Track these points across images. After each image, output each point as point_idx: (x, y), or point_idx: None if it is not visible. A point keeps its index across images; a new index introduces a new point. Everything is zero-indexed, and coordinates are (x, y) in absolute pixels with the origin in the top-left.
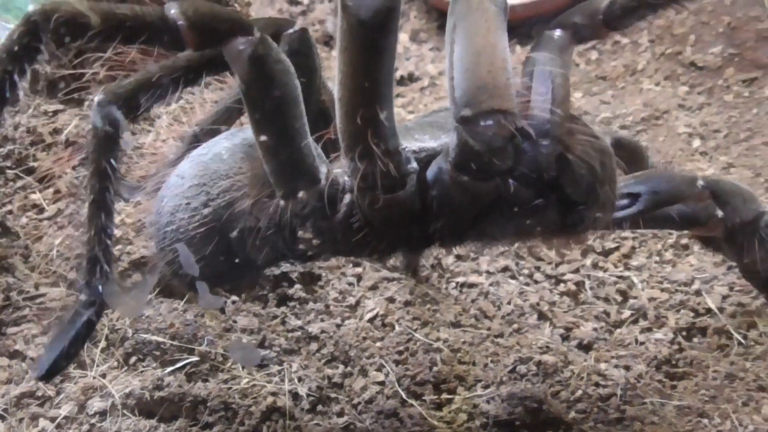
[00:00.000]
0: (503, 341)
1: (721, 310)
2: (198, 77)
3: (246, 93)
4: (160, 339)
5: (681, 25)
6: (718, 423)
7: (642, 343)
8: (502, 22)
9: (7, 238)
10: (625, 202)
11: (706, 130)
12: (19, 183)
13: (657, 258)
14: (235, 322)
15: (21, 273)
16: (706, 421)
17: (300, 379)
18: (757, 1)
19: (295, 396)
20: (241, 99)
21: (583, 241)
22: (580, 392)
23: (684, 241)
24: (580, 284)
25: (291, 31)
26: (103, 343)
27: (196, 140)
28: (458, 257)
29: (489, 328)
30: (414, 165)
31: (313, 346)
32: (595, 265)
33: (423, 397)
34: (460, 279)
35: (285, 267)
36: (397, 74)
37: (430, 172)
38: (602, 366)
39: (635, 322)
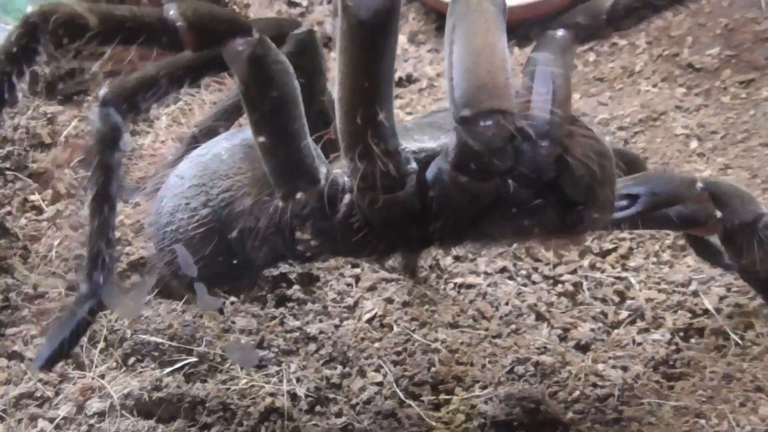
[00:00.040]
0: (501, 342)
1: (719, 310)
2: (199, 77)
3: (245, 94)
4: (159, 340)
5: (678, 27)
6: (715, 423)
7: (639, 344)
8: (501, 22)
9: (6, 239)
10: (624, 203)
11: (703, 132)
12: (18, 184)
13: (654, 259)
14: (233, 322)
15: (20, 274)
16: (703, 421)
17: (298, 380)
18: (754, 3)
19: (294, 396)
20: (239, 100)
21: (581, 241)
22: (577, 393)
23: (681, 242)
24: (577, 285)
25: (297, 31)
26: (101, 344)
27: (195, 141)
28: (456, 258)
29: (487, 329)
30: (413, 165)
31: (312, 346)
32: (592, 266)
33: (421, 398)
34: (458, 280)
35: (283, 268)
36: (396, 76)
37: (430, 173)
38: (600, 366)
39: (633, 322)
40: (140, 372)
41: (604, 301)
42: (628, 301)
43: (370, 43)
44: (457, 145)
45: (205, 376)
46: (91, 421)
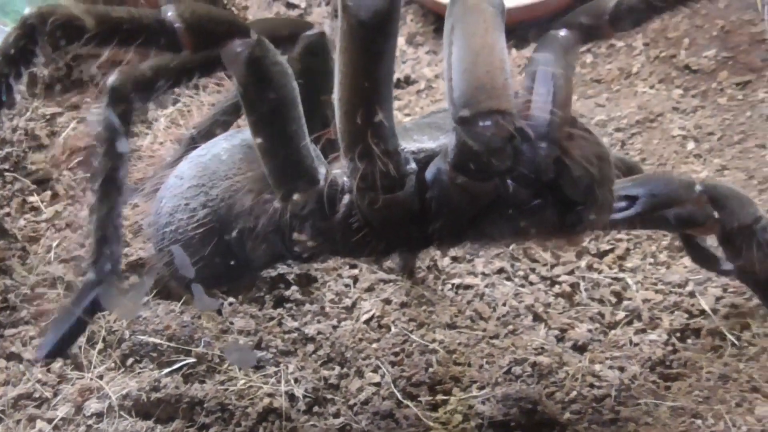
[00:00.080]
0: (498, 342)
1: (715, 311)
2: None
3: (243, 95)
4: (157, 341)
5: (675, 29)
6: (711, 424)
7: (636, 345)
8: (499, 23)
9: (4, 240)
10: (623, 204)
11: (700, 133)
12: (17, 185)
13: (651, 260)
14: (232, 323)
15: (18, 275)
16: (699, 422)
17: (296, 381)
18: (751, 4)
19: (292, 397)
20: (238, 102)
21: (579, 242)
22: (574, 393)
23: (678, 242)
24: (575, 286)
25: (309, 33)
26: (100, 345)
27: (193, 143)
28: (454, 259)
29: (484, 330)
30: (413, 166)
31: (310, 347)
32: (589, 267)
33: (419, 398)
34: (456, 280)
35: (282, 269)
36: (394, 77)
37: (429, 173)
38: (597, 367)
39: (630, 323)
40: (138, 373)
41: (601, 301)
42: (625, 302)
43: (370, 43)
44: (456, 146)
45: (204, 376)
46: (90, 422)
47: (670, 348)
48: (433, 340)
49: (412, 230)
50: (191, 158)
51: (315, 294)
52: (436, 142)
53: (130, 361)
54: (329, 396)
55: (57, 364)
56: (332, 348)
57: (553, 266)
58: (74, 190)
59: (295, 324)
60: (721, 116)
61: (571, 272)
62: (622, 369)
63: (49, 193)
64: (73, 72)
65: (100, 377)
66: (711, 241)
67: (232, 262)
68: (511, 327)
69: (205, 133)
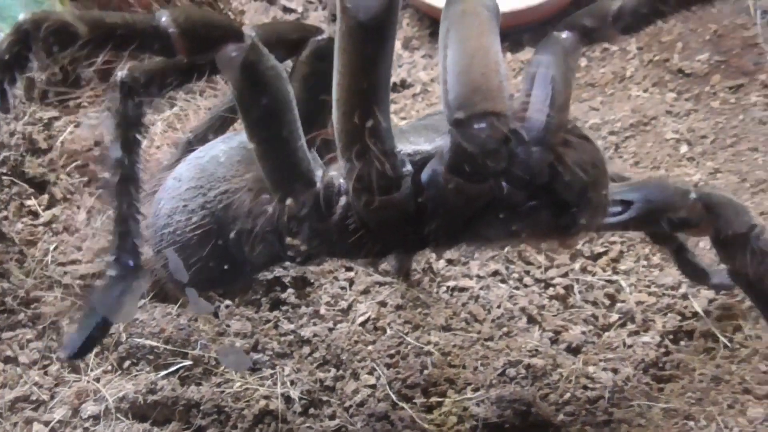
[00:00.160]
0: (493, 344)
1: (708, 313)
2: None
3: (239, 99)
4: (154, 343)
5: (668, 33)
6: (703, 425)
7: (629, 347)
8: (494, 26)
9: (2, 243)
10: (618, 208)
11: (693, 136)
12: (15, 189)
13: (645, 262)
14: (228, 326)
15: (16, 278)
16: (692, 423)
17: (292, 383)
18: (743, 9)
19: (288, 399)
20: (234, 106)
21: (573, 244)
22: (568, 395)
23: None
24: (568, 288)
25: (318, 38)
26: (97, 348)
27: (190, 147)
28: (449, 261)
29: (479, 332)
30: (409, 167)
31: (306, 349)
32: (583, 269)
33: (414, 400)
34: (451, 283)
35: (278, 272)
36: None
37: (425, 175)
38: (590, 369)
39: (623, 325)
40: (135, 375)
41: (594, 304)
42: (619, 304)
43: (369, 44)
44: (452, 147)
45: (200, 379)
46: (86, 425)
47: (663, 350)
48: (428, 343)
49: (407, 232)
50: (189, 160)
51: (311, 296)
52: (432, 144)
53: (126, 363)
54: (325, 398)
55: (54, 367)
56: (328, 350)
57: (547, 269)
58: (72, 194)
59: (291, 326)
60: (714, 119)
61: (565, 275)
62: (615, 371)
63: (46, 196)
64: (70, 76)
65: (97, 380)
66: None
67: (230, 264)
68: (505, 329)
69: (202, 137)
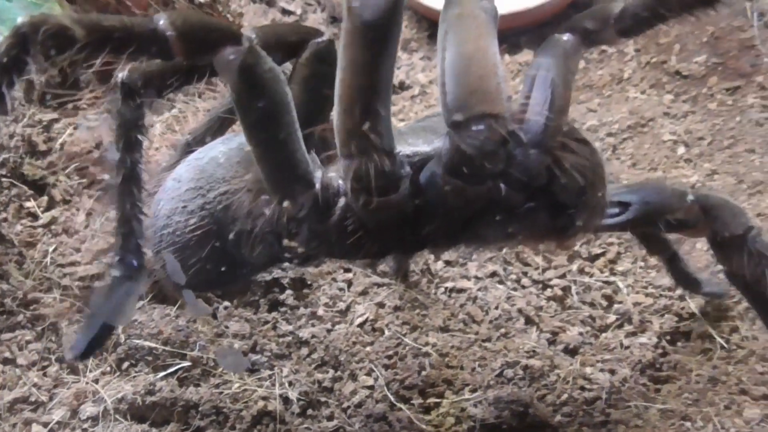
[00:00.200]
0: (491, 345)
1: (705, 314)
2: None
3: (237, 102)
4: (153, 344)
5: (666, 35)
6: (700, 426)
7: (627, 347)
8: (492, 28)
9: (1, 245)
10: (616, 210)
11: (690, 138)
12: (14, 191)
13: (642, 263)
14: (226, 327)
15: (15, 280)
16: (689, 424)
17: (290, 384)
18: (741, 11)
19: (286, 400)
20: (232, 107)
21: (571, 246)
22: (565, 396)
23: (671, 239)
24: (566, 289)
25: (318, 40)
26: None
27: (188, 148)
28: (447, 263)
29: (477, 333)
30: (407, 169)
31: (304, 350)
32: (581, 271)
33: (411, 401)
34: (449, 284)
35: (276, 273)
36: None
37: (423, 176)
38: (588, 370)
39: (620, 326)
40: (134, 376)
41: (592, 305)
42: (616, 305)
43: (373, 43)
44: (450, 149)
45: (199, 380)
46: (85, 426)
47: (660, 351)
48: (426, 344)
49: (406, 233)
50: (189, 161)
51: (309, 298)
52: (431, 145)
53: (125, 364)
54: (323, 399)
55: (53, 368)
56: (326, 351)
57: (544, 270)
58: (71, 196)
59: (290, 327)
60: (711, 121)
61: (562, 276)
62: (612, 372)
63: (45, 198)
64: (69, 78)
65: (96, 381)
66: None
67: (229, 265)
68: (503, 330)
69: (201, 139)
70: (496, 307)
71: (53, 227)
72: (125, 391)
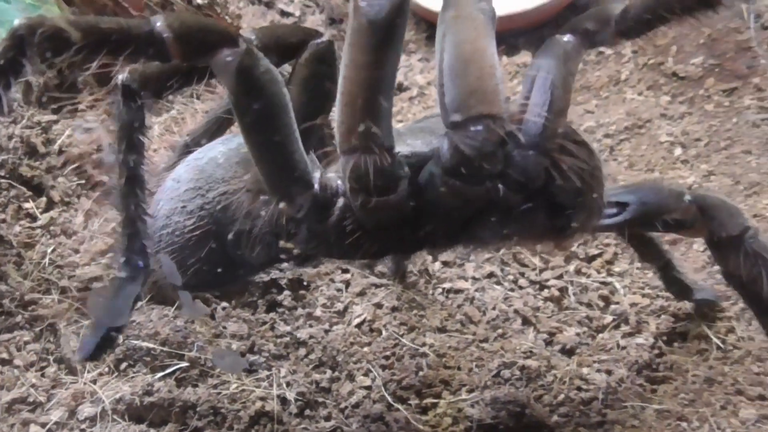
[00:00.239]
0: (488, 346)
1: (701, 315)
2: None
3: (235, 103)
4: (151, 345)
5: (663, 37)
6: (696, 426)
7: (623, 348)
8: (490, 30)
9: (0, 246)
10: (613, 210)
11: (687, 139)
12: (13, 192)
13: (639, 264)
14: (224, 328)
15: (14, 281)
16: (685, 424)
17: (288, 384)
18: (737, 13)
19: (284, 400)
20: (230, 109)
21: (568, 246)
22: (562, 396)
23: (665, 247)
24: (563, 290)
25: (318, 41)
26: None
27: (187, 150)
28: (444, 263)
29: (474, 333)
30: (406, 170)
31: (302, 351)
32: (578, 271)
33: (409, 402)
34: (447, 285)
35: (274, 274)
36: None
37: (422, 177)
38: (584, 370)
39: (617, 327)
40: (132, 377)
41: (589, 305)
42: (613, 306)
43: (378, 42)
44: (449, 150)
45: (196, 380)
46: (83, 426)
47: (656, 351)
48: (424, 344)
49: (404, 233)
50: (188, 161)
51: (307, 298)
52: (429, 146)
53: (123, 365)
54: (320, 399)
55: (51, 369)
56: (324, 352)
57: (542, 270)
58: (69, 197)
59: (288, 328)
60: (708, 122)
61: (559, 276)
62: (609, 372)
63: (44, 199)
64: (67, 80)
65: (94, 382)
66: (698, 245)
67: (228, 265)
68: (500, 331)
69: (199, 141)
70: (494, 308)
71: (52, 228)
72: (123, 392)
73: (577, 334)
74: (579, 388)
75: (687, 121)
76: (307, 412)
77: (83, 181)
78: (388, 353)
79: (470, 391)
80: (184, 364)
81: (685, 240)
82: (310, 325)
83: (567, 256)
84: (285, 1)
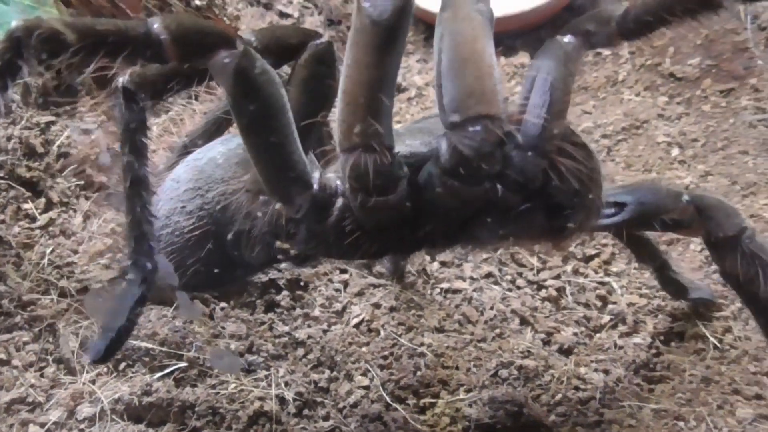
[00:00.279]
0: (486, 346)
1: (698, 314)
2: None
3: (233, 105)
4: (150, 345)
5: (660, 38)
6: (693, 426)
7: (621, 348)
8: (488, 30)
9: None
10: (611, 210)
11: (684, 140)
12: (12, 193)
13: (636, 264)
14: (223, 328)
15: (13, 281)
16: (682, 424)
17: (287, 384)
18: (734, 14)
19: (282, 400)
20: (229, 110)
21: (566, 246)
22: (560, 396)
23: (662, 247)
24: (561, 290)
25: (317, 42)
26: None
27: (185, 150)
28: (443, 263)
29: (472, 333)
30: (405, 170)
31: (300, 351)
32: (575, 271)
33: (407, 401)
34: (445, 285)
35: (273, 274)
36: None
37: (421, 177)
38: (582, 370)
39: (614, 326)
40: (131, 377)
41: (586, 305)
42: (610, 306)
43: (380, 42)
44: (447, 150)
45: (195, 380)
46: (82, 426)
47: (653, 351)
48: (422, 344)
49: (403, 233)
50: (188, 161)
51: (305, 299)
52: (428, 146)
53: (122, 365)
54: (319, 399)
55: (50, 369)
56: (322, 352)
57: (539, 271)
58: (68, 198)
59: (286, 328)
60: (705, 123)
61: (557, 276)
62: (606, 372)
63: (43, 200)
64: (65, 81)
65: (93, 382)
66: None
67: (227, 265)
68: (498, 331)
69: (197, 141)
70: (491, 308)
71: (51, 229)
72: (122, 392)
73: (575, 334)
74: (576, 388)
75: (684, 122)
76: (306, 411)
77: (82, 182)
78: (386, 353)
79: (468, 390)
80: (183, 364)
81: (682, 240)
82: (309, 326)
83: (565, 256)
84: (284, 2)
